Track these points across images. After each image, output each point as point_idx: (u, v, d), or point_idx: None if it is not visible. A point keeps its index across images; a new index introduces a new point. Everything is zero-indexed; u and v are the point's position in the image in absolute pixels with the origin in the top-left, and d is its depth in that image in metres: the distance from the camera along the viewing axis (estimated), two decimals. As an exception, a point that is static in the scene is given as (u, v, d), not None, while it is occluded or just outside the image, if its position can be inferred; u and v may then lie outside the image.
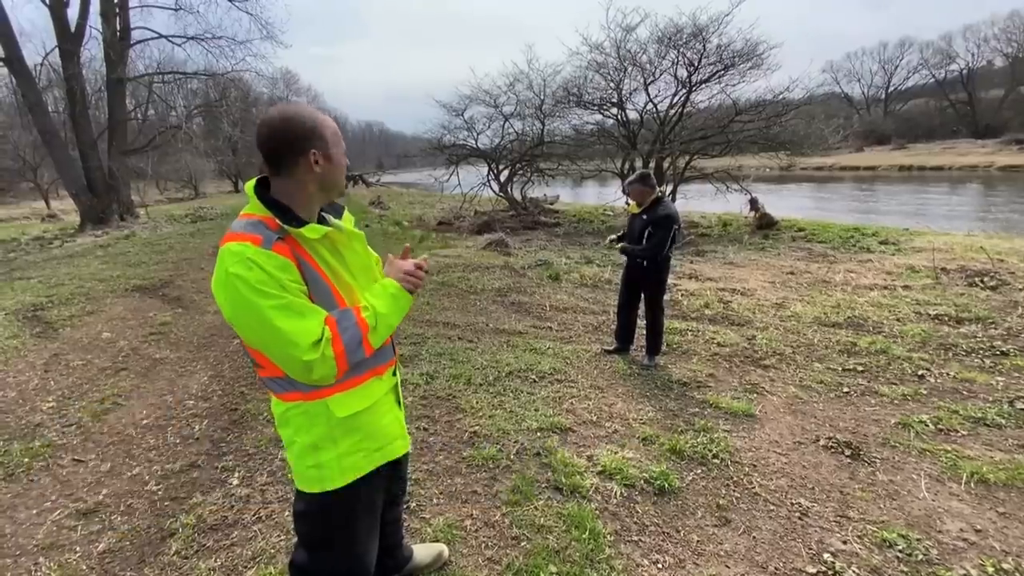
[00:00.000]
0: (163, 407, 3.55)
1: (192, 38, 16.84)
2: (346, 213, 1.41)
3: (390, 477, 1.50)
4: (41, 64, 15.87)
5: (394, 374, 1.44)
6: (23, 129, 23.18)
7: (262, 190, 1.22)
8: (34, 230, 16.28)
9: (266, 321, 1.09)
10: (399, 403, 1.48)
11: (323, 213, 1.32)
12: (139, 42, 16.89)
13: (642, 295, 4.11)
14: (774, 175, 22.53)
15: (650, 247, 3.85)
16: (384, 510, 1.53)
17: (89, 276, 7.85)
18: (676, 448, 2.79)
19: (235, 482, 2.64)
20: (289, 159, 1.19)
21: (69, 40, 14.39)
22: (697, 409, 3.31)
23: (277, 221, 1.17)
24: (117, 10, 15.38)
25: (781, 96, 10.26)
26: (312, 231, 1.19)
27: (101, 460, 2.92)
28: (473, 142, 14.90)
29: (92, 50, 16.65)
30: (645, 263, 3.91)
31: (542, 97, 13.23)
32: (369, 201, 20.60)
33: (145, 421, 3.36)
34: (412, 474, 2.59)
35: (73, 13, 14.61)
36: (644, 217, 3.88)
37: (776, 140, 10.55)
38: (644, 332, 4.14)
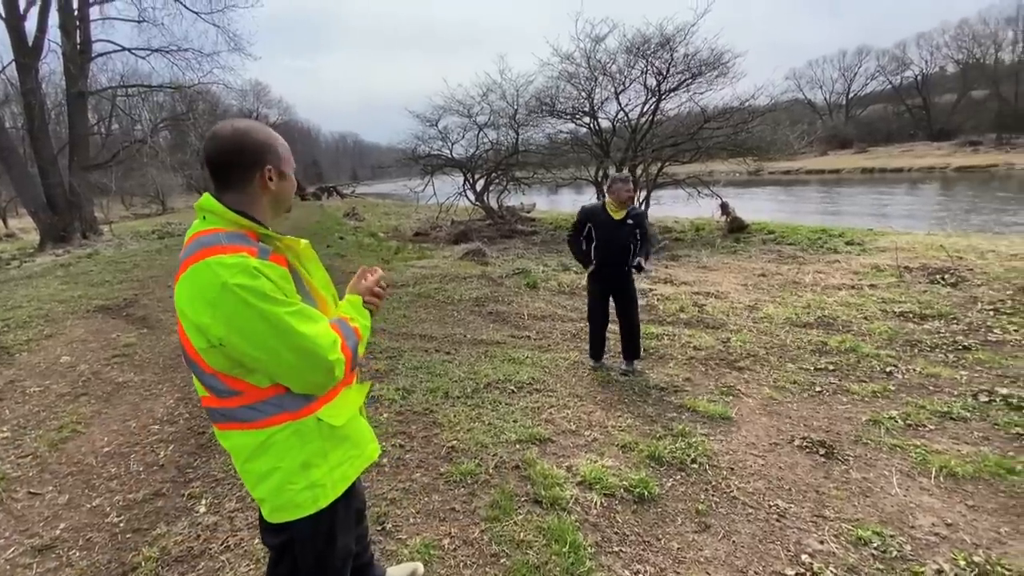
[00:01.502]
0: (126, 433, 3.40)
1: (157, 50, 16.44)
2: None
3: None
4: (-4, 78, 15.29)
5: (360, 382, 1.44)
6: (-23, 146, 22.17)
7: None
8: (-10, 250, 15.57)
9: (286, 328, 1.06)
10: (362, 411, 1.48)
11: None
12: (101, 55, 16.41)
13: (614, 302, 4.06)
14: (743, 179, 23.12)
15: (650, 247, 3.87)
16: None
17: (48, 297, 7.52)
18: (655, 454, 2.79)
19: (202, 510, 2.52)
20: (241, 174, 1.16)
21: (26, 54, 13.90)
22: (675, 414, 3.33)
23: (259, 232, 1.15)
24: (77, 23, 14.93)
25: (747, 103, 10.54)
26: (297, 242, 1.21)
27: (59, 492, 2.77)
28: (448, 152, 14.91)
29: (51, 64, 16.13)
30: (630, 268, 3.90)
31: (515, 107, 13.33)
32: (344, 213, 20.36)
33: (106, 449, 3.20)
34: (388, 494, 2.52)
35: (31, 26, 14.15)
36: (630, 221, 3.83)
37: (744, 146, 10.82)
38: (618, 338, 4.11)
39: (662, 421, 3.23)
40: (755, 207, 16.18)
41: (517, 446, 2.93)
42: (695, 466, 2.71)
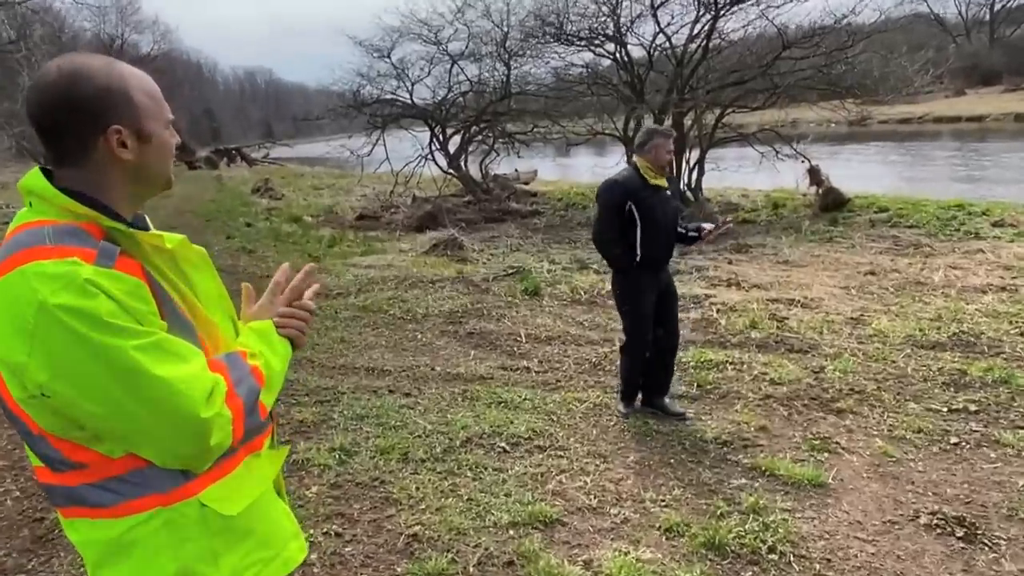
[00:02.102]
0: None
1: (-28, -51, 16.45)
2: (151, 226, 1.35)
3: None
4: None
5: (273, 446, 1.42)
6: None
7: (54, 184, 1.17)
8: None
9: (133, 370, 1.02)
10: (280, 491, 1.47)
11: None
12: None
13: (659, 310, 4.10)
14: (842, 132, 23.32)
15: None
16: None
17: None
18: (715, 541, 2.80)
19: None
20: (77, 140, 1.15)
21: None
22: (744, 480, 3.35)
23: (103, 224, 1.11)
24: None
25: (845, 21, 10.65)
26: (165, 239, 1.17)
27: None
28: (406, 95, 14.97)
29: None
30: (696, 237, 4.11)
31: (505, 29, 13.42)
32: (253, 187, 20.36)
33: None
34: (319, 606, 2.52)
35: None
36: (670, 191, 3.94)
37: (841, 83, 10.91)
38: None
39: (724, 491, 3.24)
40: (860, 173, 16.34)
41: (511, 532, 2.92)
42: (774, 557, 2.73)
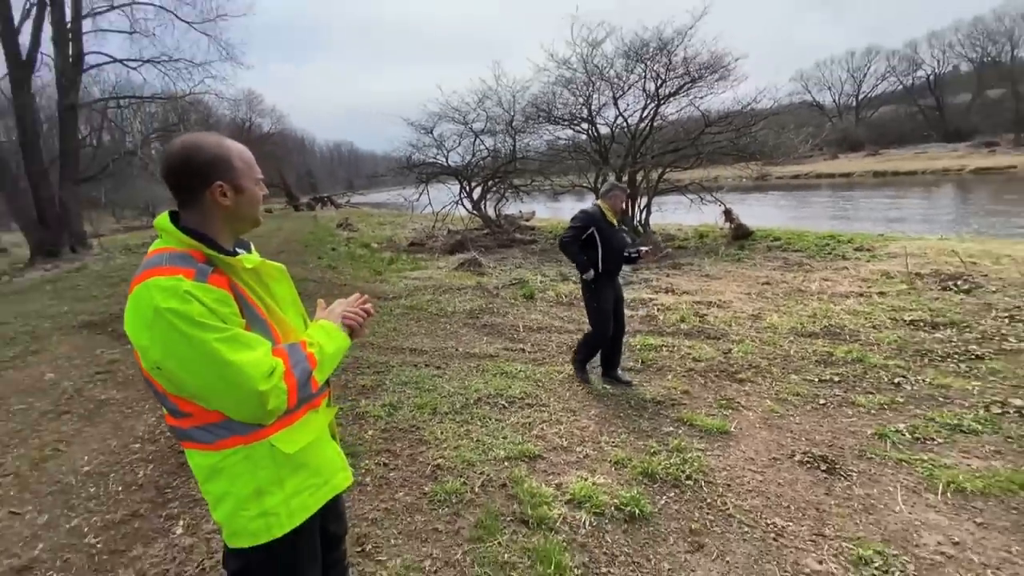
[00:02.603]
0: (106, 452, 3.41)
1: (148, 61, 16.76)
2: (253, 250, 1.38)
3: (328, 516, 1.46)
4: (-12, 92, 15.55)
5: (329, 405, 1.42)
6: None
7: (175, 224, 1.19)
8: (-23, 266, 15.72)
9: (214, 356, 1.05)
10: (334, 436, 1.46)
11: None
12: (93, 67, 16.74)
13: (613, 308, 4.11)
14: (750, 185, 23.11)
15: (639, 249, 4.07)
16: (325, 553, 1.47)
17: (35, 313, 7.57)
18: (648, 471, 2.77)
19: (179, 531, 2.53)
20: (191, 192, 1.18)
21: (20, 67, 14.16)
22: (671, 428, 3.32)
23: (204, 252, 1.14)
24: (70, 36, 15.22)
25: (749, 107, 10.60)
26: (247, 260, 1.19)
27: (38, 512, 2.78)
28: (443, 159, 15.03)
29: (44, 77, 16.42)
30: (632, 258, 4.05)
31: (512, 113, 13.45)
32: (337, 223, 20.45)
33: (86, 468, 3.21)
34: (369, 514, 2.51)
35: (24, 40, 14.43)
36: (624, 227, 3.94)
37: (747, 150, 10.86)
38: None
39: (657, 436, 3.21)
40: (761, 213, 16.20)
41: (505, 463, 2.91)
42: (690, 483, 2.69)
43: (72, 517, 2.71)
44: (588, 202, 12.61)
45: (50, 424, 3.87)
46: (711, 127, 10.82)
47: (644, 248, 4.09)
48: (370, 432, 3.36)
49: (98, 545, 2.47)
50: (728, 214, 11.49)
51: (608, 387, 4.01)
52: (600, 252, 3.88)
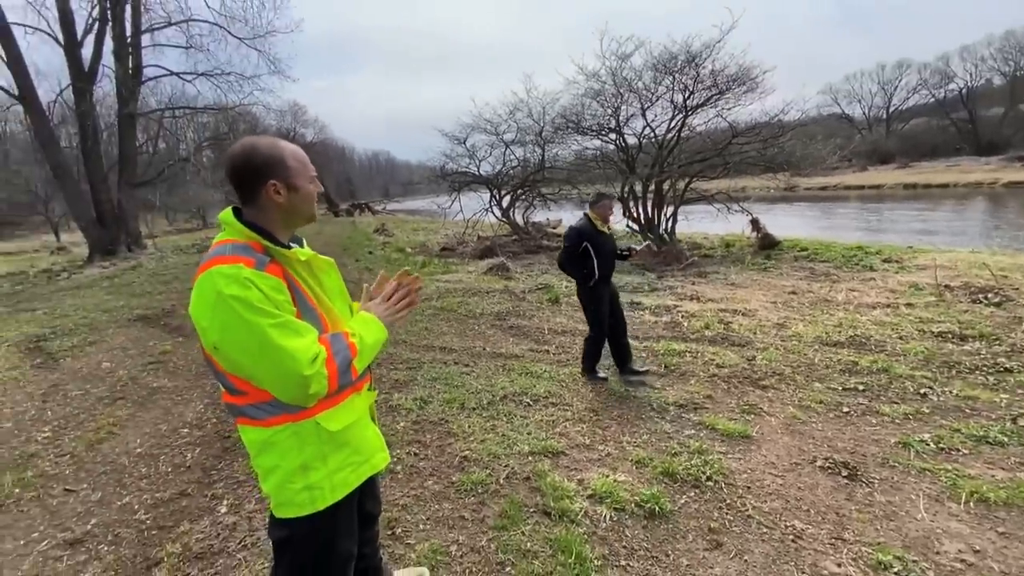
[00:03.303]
0: (157, 436, 3.58)
1: (202, 74, 17.47)
2: (305, 245, 1.45)
3: (365, 495, 1.52)
4: (55, 102, 16.50)
5: (371, 389, 1.49)
6: (36, 164, 23.89)
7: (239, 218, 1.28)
8: (42, 262, 16.61)
9: (267, 340, 1.12)
10: (374, 419, 1.52)
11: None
12: (151, 79, 17.55)
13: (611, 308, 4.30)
14: (777, 195, 22.61)
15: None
16: (360, 530, 1.53)
17: (93, 307, 7.98)
18: (669, 471, 2.77)
19: (223, 510, 2.64)
20: (250, 189, 1.26)
21: (83, 79, 14.99)
22: (693, 431, 3.29)
23: (263, 243, 1.22)
24: (130, 50, 16.03)
25: (776, 118, 10.40)
26: (300, 253, 1.26)
27: (92, 489, 2.94)
28: (475, 169, 15.18)
29: (105, 87, 17.31)
30: (625, 256, 4.25)
31: (541, 124, 13.51)
32: (374, 228, 20.88)
33: (139, 450, 3.39)
34: (400, 499, 2.58)
35: (87, 53, 15.27)
36: (611, 231, 4.20)
37: (774, 161, 10.65)
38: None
39: (679, 438, 3.20)
40: (788, 224, 15.82)
41: (529, 458, 2.95)
42: (710, 484, 2.68)
43: (124, 495, 2.87)
44: (616, 209, 12.60)
45: (105, 409, 4.08)
46: (738, 138, 10.64)
47: (635, 247, 4.23)
48: (402, 424, 3.45)
49: (147, 521, 2.61)
50: (755, 224, 11.28)
51: (630, 389, 4.00)
52: (595, 261, 4.03)
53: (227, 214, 1.27)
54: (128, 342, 5.96)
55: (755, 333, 5.29)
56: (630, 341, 4.37)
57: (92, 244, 15.34)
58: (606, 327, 4.16)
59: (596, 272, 4.04)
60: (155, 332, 6.38)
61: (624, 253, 4.24)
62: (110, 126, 21.00)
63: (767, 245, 10.66)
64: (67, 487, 2.98)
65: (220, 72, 17.50)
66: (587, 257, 4.05)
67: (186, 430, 3.64)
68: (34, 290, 10.60)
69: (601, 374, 4.25)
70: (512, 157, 15.05)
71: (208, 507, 2.68)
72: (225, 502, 2.70)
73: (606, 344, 4.26)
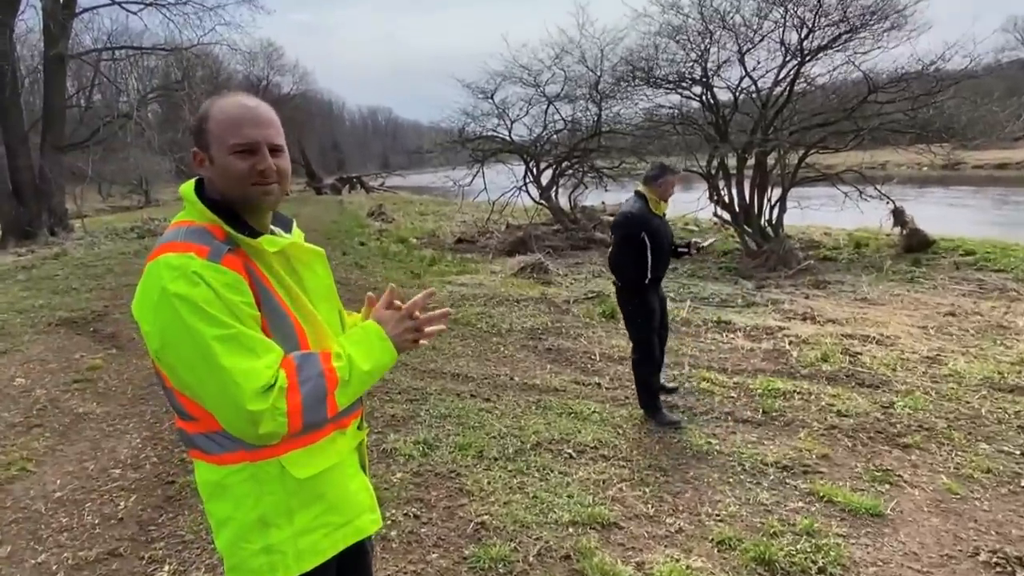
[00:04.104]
0: (82, 476, 3.75)
1: (151, 3, 18.27)
2: (295, 229, 1.49)
3: (347, 568, 1.55)
4: (-34, 40, 17.49)
5: (360, 427, 1.51)
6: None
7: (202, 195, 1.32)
8: (-55, 247, 17.61)
9: (207, 355, 1.15)
10: (364, 467, 1.54)
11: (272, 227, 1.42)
12: (87, 10, 18.50)
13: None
14: (933, 176, 21.98)
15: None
16: None
17: (6, 306, 8.40)
18: (765, 557, 2.74)
19: (163, 578, 2.75)
20: (192, 158, 1.35)
21: (2, 8, 15.86)
22: (801, 504, 3.25)
23: (225, 229, 1.26)
24: (62, -28, 16.91)
25: (933, 67, 10.10)
26: (270, 241, 1.29)
27: (0, 542, 3.11)
28: (506, 132, 15.34)
29: (29, 21, 18.34)
30: (689, 252, 4.46)
31: (598, 73, 13.54)
32: (368, 211, 21.30)
33: (58, 494, 3.55)
34: (394, 576, 2.64)
35: (9, -24, 16.15)
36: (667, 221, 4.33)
37: (929, 127, 10.34)
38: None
39: (780, 512, 3.16)
40: (947, 216, 15.33)
41: (570, 529, 2.97)
42: (823, 578, 2.63)
43: (39, 551, 3.01)
44: (696, 192, 12.54)
45: (18, 439, 4.29)
46: (877, 94, 10.39)
47: (699, 242, 4.37)
48: (399, 474, 3.51)
49: (69, 587, 2.74)
50: (898, 215, 11.03)
51: (715, 442, 3.96)
52: (650, 258, 4.10)
53: (187, 188, 1.32)
54: (48, 353, 6.25)
55: (894, 370, 5.18)
56: (713, 374, 4.51)
57: (6, 224, 16.18)
58: (655, 343, 4.30)
59: (650, 272, 4.13)
60: (82, 341, 6.67)
61: (681, 248, 4.35)
62: (33, 72, 22.17)
63: (916, 246, 10.43)
64: (-31, 538, 3.15)
65: (174, 1, 18.27)
66: (641, 253, 4.12)
67: (118, 471, 3.80)
68: (-67, 282, 11.24)
69: (673, 416, 4.28)
70: (556, 117, 15.14)
71: (144, 573, 2.79)
72: (167, 568, 2.81)
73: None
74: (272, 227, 1.42)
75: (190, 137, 1.31)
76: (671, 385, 4.73)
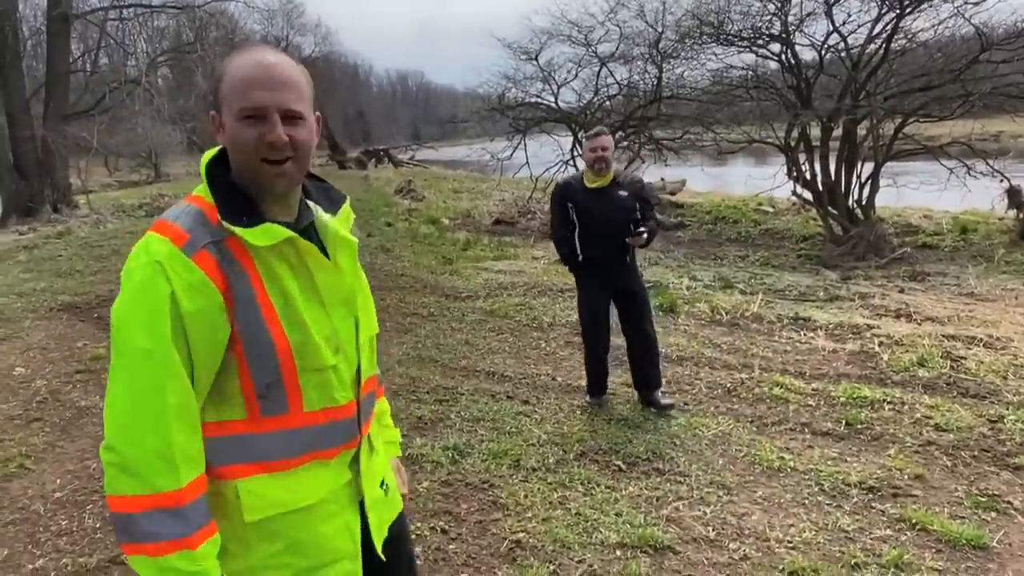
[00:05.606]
0: (83, 476, 3.90)
1: (161, -43, 18.70)
2: (345, 209, 1.43)
3: None
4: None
5: (356, 461, 1.43)
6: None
7: (219, 168, 1.29)
8: (-56, 224, 18.45)
9: (116, 360, 1.16)
10: (359, 502, 1.45)
11: (311, 203, 1.37)
12: (92, -35, 19.00)
13: (615, 307, 4.51)
14: (1058, 149, 21.06)
15: (656, 223, 4.36)
16: None
17: (6, 289, 8.77)
18: (845, 592, 2.68)
19: (167, 590, 2.83)
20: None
21: (3, -35, 16.47)
22: (889, 532, 3.17)
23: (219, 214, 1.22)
24: (67, -78, 17.45)
25: (1063, 18, 9.68)
26: (256, 236, 1.21)
27: (-4, 545, 3.25)
28: (551, 99, 15.25)
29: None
30: (629, 257, 4.37)
31: (659, 29, 13.35)
32: (396, 188, 21.44)
33: (58, 494, 3.70)
34: (418, 598, 2.66)
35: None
36: (622, 192, 4.27)
37: (1056, 92, 9.92)
38: (626, 361, 4.62)
39: (864, 540, 3.09)
40: (1076, 197, 14.71)
41: (617, 552, 2.96)
42: (914, 619, 2.56)
43: (37, 556, 3.14)
44: (773, 167, 12.29)
45: (17, 433, 4.49)
46: (991, 52, 10.00)
47: (643, 230, 4.20)
48: (425, 483, 3.55)
49: (67, 596, 2.85)
50: (1014, 195, 10.66)
51: (788, 457, 3.89)
52: (578, 233, 4.29)
53: (206, 156, 1.31)
54: (50, 340, 6.50)
55: (1005, 378, 5.02)
56: (788, 379, 4.41)
57: (7, 200, 16.88)
58: (595, 340, 4.48)
59: (578, 250, 4.26)
60: (85, 328, 6.92)
61: (640, 229, 4.21)
62: (35, 33, 22.99)
63: (1035, 232, 10.05)
64: (-37, 539, 3.31)
65: (187, -46, 18.67)
66: (566, 227, 4.30)
67: (121, 471, 3.93)
68: (-69, 262, 11.80)
69: (599, 399, 4.63)
70: (610, 81, 15.03)
71: (147, 584, 2.89)
72: (170, 579, 2.89)
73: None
74: (311, 205, 1.36)
75: (202, 104, 1.31)
76: (666, 401, 4.51)
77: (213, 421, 1.25)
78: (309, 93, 1.28)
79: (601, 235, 4.25)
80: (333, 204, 1.41)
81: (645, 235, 4.18)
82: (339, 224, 1.36)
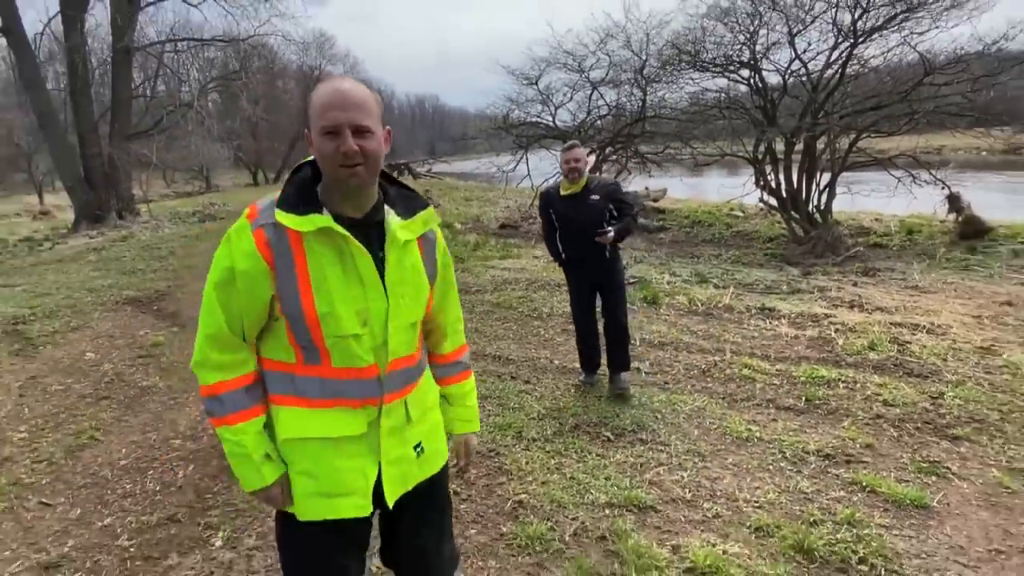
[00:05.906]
0: (145, 446, 3.93)
1: (210, -4, 18.69)
2: (422, 213, 1.53)
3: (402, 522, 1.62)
4: (42, 33, 18.31)
5: (379, 416, 1.46)
6: (19, 111, 26.62)
7: (303, 170, 1.46)
8: (23, 229, 18.56)
9: (207, 291, 1.41)
10: (379, 457, 1.47)
11: (387, 207, 1.49)
12: (151, 4, 19.06)
13: (599, 301, 4.53)
14: (992, 161, 20.92)
15: (632, 222, 4.34)
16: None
17: (78, 285, 8.84)
18: (803, 545, 2.68)
19: (218, 543, 2.86)
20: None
21: (72, 5, 16.51)
22: (843, 493, 3.17)
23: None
24: (127, -33, 17.46)
25: (996, 47, 9.55)
26: (300, 222, 1.32)
27: (71, 505, 3.29)
28: (550, 119, 15.20)
29: (98, 15, 19.04)
30: (608, 253, 4.32)
31: (644, 57, 13.26)
32: (414, 197, 21.42)
33: (123, 462, 3.74)
34: (433, 551, 2.68)
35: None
36: (594, 197, 4.23)
37: (990, 111, 9.83)
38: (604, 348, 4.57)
39: (821, 501, 3.08)
40: (1005, 203, 14.57)
41: (606, 511, 2.97)
42: (863, 568, 2.56)
43: (105, 515, 3.18)
44: (742, 177, 12.21)
45: (88, 409, 4.55)
46: (935, 75, 9.90)
47: (609, 230, 4.19)
48: (439, 453, 3.56)
49: (131, 549, 2.88)
50: (954, 201, 10.53)
51: (755, 428, 3.89)
52: (559, 235, 4.37)
53: (304, 160, 1.49)
54: (115, 329, 6.55)
55: (945, 360, 4.98)
56: (755, 361, 4.37)
57: (78, 208, 16.95)
58: (582, 319, 4.56)
59: (560, 250, 4.36)
60: (146, 319, 6.97)
61: (607, 228, 4.21)
62: (102, 63, 23.02)
63: (971, 233, 9.95)
64: (43, 500, 3.35)
65: (232, -6, 18.66)
66: (551, 229, 4.43)
67: (178, 441, 3.97)
68: (13, 262, 11.89)
69: (589, 378, 4.65)
70: (601, 103, 14.95)
71: (200, 538, 2.92)
72: (221, 534, 2.92)
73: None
74: (386, 208, 1.48)
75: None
76: (622, 387, 4.37)
77: (274, 359, 1.45)
78: (377, 112, 1.39)
79: (577, 235, 4.26)
80: (409, 210, 1.51)
81: (611, 233, 4.17)
82: (405, 226, 1.46)
